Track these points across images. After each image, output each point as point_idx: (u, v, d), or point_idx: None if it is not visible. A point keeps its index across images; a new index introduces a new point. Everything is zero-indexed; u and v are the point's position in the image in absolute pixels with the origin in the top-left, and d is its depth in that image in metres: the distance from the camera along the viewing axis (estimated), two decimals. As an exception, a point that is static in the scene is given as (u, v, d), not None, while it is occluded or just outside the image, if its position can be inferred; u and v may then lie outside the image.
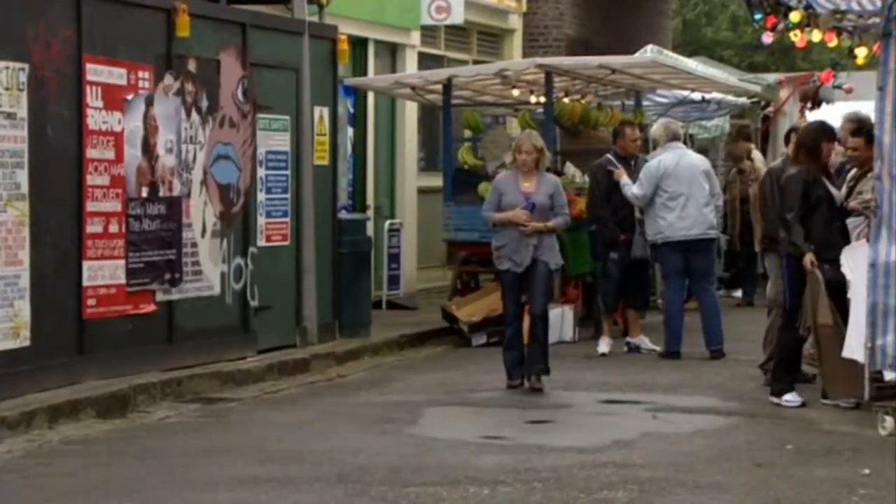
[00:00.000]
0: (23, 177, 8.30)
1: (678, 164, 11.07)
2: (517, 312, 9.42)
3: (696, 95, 15.04)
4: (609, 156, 11.62)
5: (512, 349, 9.47)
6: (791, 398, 8.66)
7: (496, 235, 9.44)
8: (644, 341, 11.42)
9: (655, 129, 11.86)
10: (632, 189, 11.16)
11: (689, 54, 20.48)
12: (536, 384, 9.30)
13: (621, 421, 8.37)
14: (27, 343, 8.31)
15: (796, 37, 10.36)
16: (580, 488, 6.44)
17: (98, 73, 8.93)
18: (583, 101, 13.58)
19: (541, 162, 9.41)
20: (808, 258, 8.39)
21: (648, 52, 15.45)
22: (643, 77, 13.70)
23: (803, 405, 8.62)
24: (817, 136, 8.78)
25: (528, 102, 13.56)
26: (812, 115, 15.94)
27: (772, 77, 18.28)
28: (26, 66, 8.32)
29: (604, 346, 11.33)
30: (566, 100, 13.40)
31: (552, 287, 9.88)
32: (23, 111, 8.29)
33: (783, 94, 17.12)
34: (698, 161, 11.35)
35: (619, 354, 11.29)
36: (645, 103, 14.73)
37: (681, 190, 10.98)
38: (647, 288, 12.16)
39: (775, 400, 8.68)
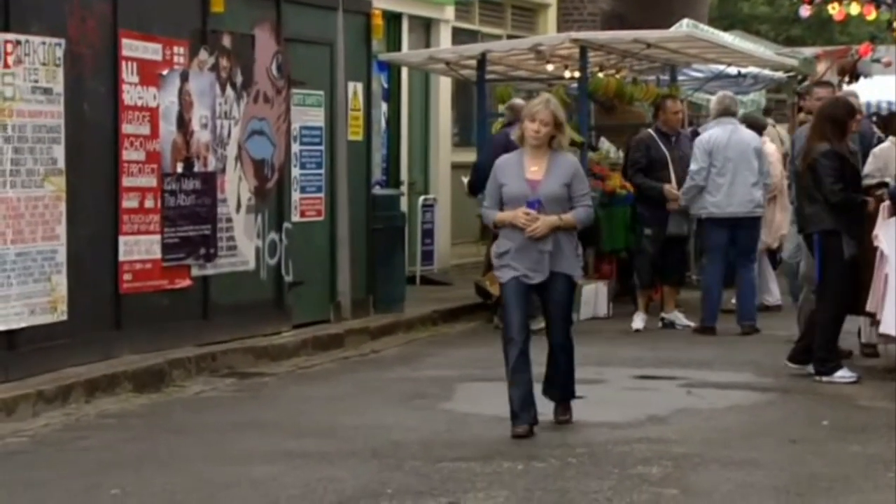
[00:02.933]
0: (59, 152, 8.34)
1: (729, 139, 10.95)
2: (522, 324, 6.99)
3: (732, 70, 14.90)
4: (651, 131, 11.55)
5: (519, 383, 6.98)
6: (844, 374, 8.60)
7: (499, 238, 7.23)
8: (678, 317, 11.36)
9: (712, 101, 11.84)
10: (690, 169, 11.01)
11: (725, 28, 20.30)
12: (563, 416, 7.31)
13: (655, 396, 8.35)
14: (64, 318, 8.37)
15: (834, 10, 10.26)
16: (614, 463, 6.44)
17: (133, 48, 8.96)
18: (617, 76, 13.49)
19: (557, 140, 7.06)
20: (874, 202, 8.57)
21: (684, 26, 15.31)
22: (679, 51, 13.59)
23: (859, 380, 8.56)
24: (846, 111, 8.71)
25: (562, 77, 13.48)
26: (850, 89, 15.75)
27: (809, 51, 18.10)
28: (63, 41, 8.35)
29: (638, 322, 11.28)
30: (601, 74, 13.31)
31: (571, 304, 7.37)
32: (59, 87, 8.32)
33: (820, 68, 16.95)
34: (749, 138, 11.16)
35: (654, 330, 11.24)
36: (680, 78, 14.62)
37: (729, 166, 10.87)
38: (683, 264, 12.03)
39: (826, 379, 8.60)
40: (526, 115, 7.08)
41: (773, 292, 12.31)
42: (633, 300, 11.78)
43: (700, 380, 8.87)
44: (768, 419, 7.62)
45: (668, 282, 11.50)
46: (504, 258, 7.07)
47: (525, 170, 7.06)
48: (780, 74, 15.88)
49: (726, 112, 11.23)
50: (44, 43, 8.22)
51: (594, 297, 11.91)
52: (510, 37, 15.93)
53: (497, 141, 10.81)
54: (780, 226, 12.00)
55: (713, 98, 12.08)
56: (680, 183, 11.13)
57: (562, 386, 7.28)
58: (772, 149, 12.17)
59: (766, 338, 10.65)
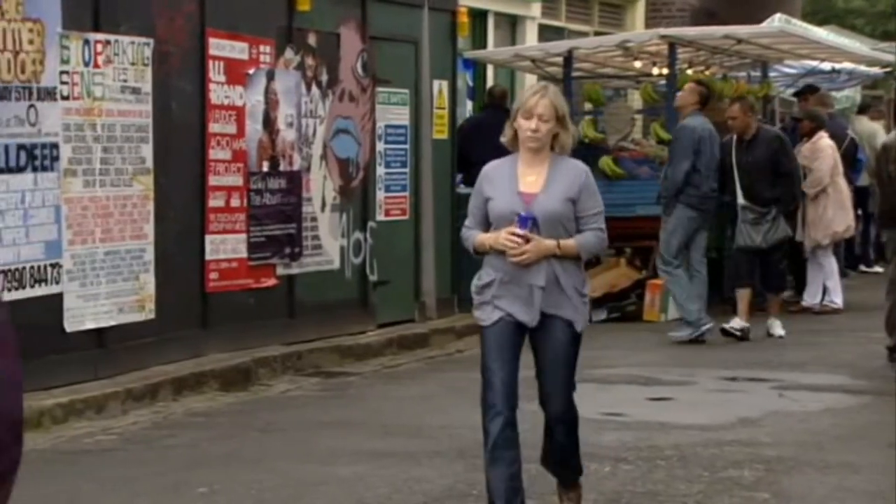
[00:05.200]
0: (147, 151, 8.40)
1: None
2: (509, 384, 5.12)
3: (826, 66, 14.64)
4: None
5: (500, 461, 5.12)
6: None
7: (483, 266, 5.33)
8: (775, 326, 10.76)
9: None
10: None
11: (819, 23, 19.96)
12: (569, 495, 5.48)
13: (746, 399, 8.20)
14: (152, 316, 8.43)
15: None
16: (704, 466, 6.31)
17: (220, 47, 8.99)
18: (707, 73, 13.31)
19: (559, 140, 5.25)
20: None
21: (776, 21, 15.07)
22: (770, 47, 13.37)
23: None
24: None
25: (650, 74, 13.34)
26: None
27: (906, 46, 17.70)
28: (151, 40, 8.41)
29: (733, 324, 10.80)
30: (690, 71, 13.14)
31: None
32: (147, 86, 8.38)
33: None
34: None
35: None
36: (772, 74, 14.39)
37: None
38: (777, 271, 11.17)
39: None
40: (520, 110, 5.25)
41: (837, 293, 12.06)
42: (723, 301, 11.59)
43: (792, 382, 8.69)
44: (864, 422, 7.43)
45: (767, 287, 10.98)
46: (485, 293, 5.21)
47: (519, 180, 5.23)
48: (876, 70, 15.56)
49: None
50: (133, 42, 8.28)
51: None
52: (597, 33, 15.80)
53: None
54: (830, 222, 11.87)
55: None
56: (745, 190, 10.51)
57: (560, 464, 5.40)
58: (824, 144, 12.04)
59: (861, 339, 10.42)
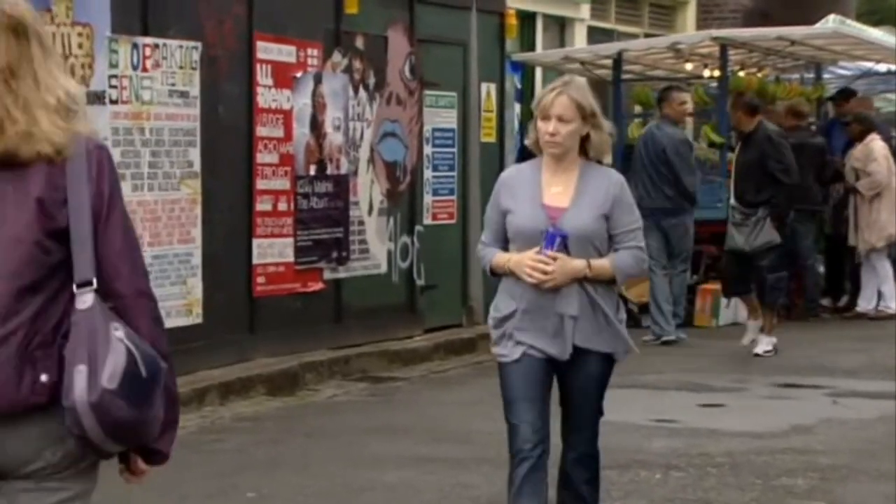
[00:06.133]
0: (195, 155, 8.40)
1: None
2: (538, 428, 4.58)
3: (882, 67, 14.43)
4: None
5: (524, 497, 4.59)
6: None
7: (498, 293, 4.72)
8: (761, 341, 9.85)
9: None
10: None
11: (875, 24, 19.67)
12: None
13: (799, 405, 8.09)
14: (199, 320, 8.43)
15: None
16: (757, 474, 6.23)
17: (268, 50, 8.98)
18: (759, 75, 13.16)
19: (591, 142, 4.59)
20: None
21: (830, 22, 14.86)
22: (824, 48, 13.20)
23: None
24: None
25: (701, 77, 13.21)
26: None
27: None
28: (199, 44, 8.41)
29: (758, 348, 9.85)
30: (742, 73, 13.00)
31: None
32: (195, 90, 8.38)
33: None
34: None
35: (797, 338, 10.90)
36: (826, 76, 14.21)
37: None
38: (767, 281, 9.96)
39: None
40: (538, 111, 4.60)
41: (892, 298, 11.88)
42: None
43: (847, 389, 8.56)
44: (921, 430, 7.29)
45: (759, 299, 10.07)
46: (506, 325, 4.56)
47: (543, 191, 4.57)
48: (934, 72, 15.30)
49: None
50: (181, 46, 8.28)
51: (735, 302, 11.60)
52: (647, 35, 15.66)
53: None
54: (885, 225, 11.73)
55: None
56: (735, 190, 9.97)
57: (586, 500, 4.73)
58: (877, 146, 11.94)
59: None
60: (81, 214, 2.71)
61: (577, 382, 4.61)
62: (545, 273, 4.46)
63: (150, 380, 2.69)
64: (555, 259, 4.48)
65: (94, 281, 2.71)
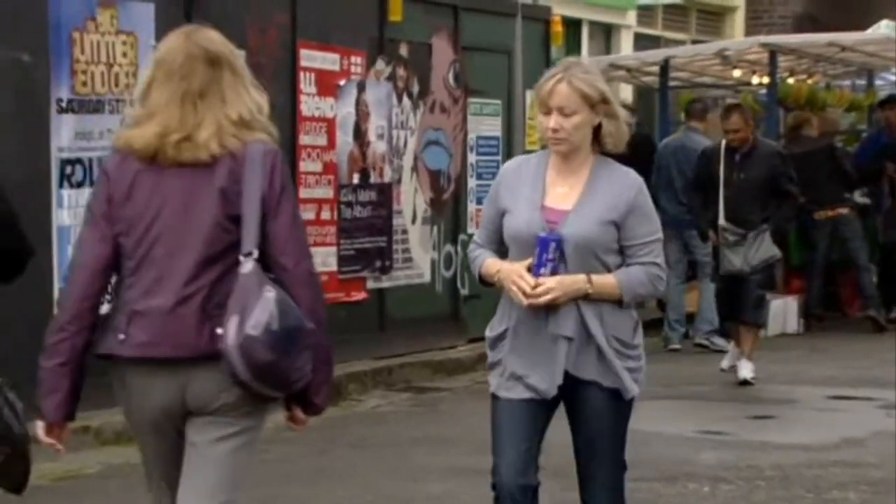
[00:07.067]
0: (238, 164, 8.37)
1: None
2: (523, 472, 4.01)
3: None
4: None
5: None
6: None
7: (498, 309, 4.09)
8: (744, 367, 9.03)
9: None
10: None
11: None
12: None
13: (851, 418, 7.95)
14: (242, 329, 8.39)
15: None
16: (807, 488, 6.11)
17: (311, 58, 8.96)
18: (809, 82, 13.00)
19: (605, 132, 3.92)
20: None
21: (882, 27, 14.68)
22: (876, 54, 13.02)
23: None
24: None
25: (749, 83, 13.07)
26: None
27: None
28: (243, 52, 8.34)
29: (743, 372, 9.03)
30: (791, 80, 12.85)
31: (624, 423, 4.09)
32: (238, 98, 8.35)
33: None
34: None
35: (849, 349, 10.73)
36: (878, 83, 14.03)
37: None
38: (754, 299, 9.15)
39: None
40: (537, 99, 3.95)
41: None
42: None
43: (900, 400, 8.41)
44: (977, 444, 7.13)
45: (740, 321, 9.24)
46: (500, 348, 3.98)
47: (546, 190, 3.94)
48: None
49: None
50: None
51: (783, 311, 11.48)
52: (694, 42, 15.56)
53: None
54: None
55: None
56: (728, 210, 9.03)
57: None
58: None
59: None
60: (251, 202, 3.43)
61: (581, 422, 3.95)
62: (541, 289, 3.80)
63: (290, 334, 3.39)
64: (549, 278, 3.82)
65: (255, 252, 3.40)
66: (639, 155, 11.63)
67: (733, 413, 8.16)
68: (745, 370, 9.01)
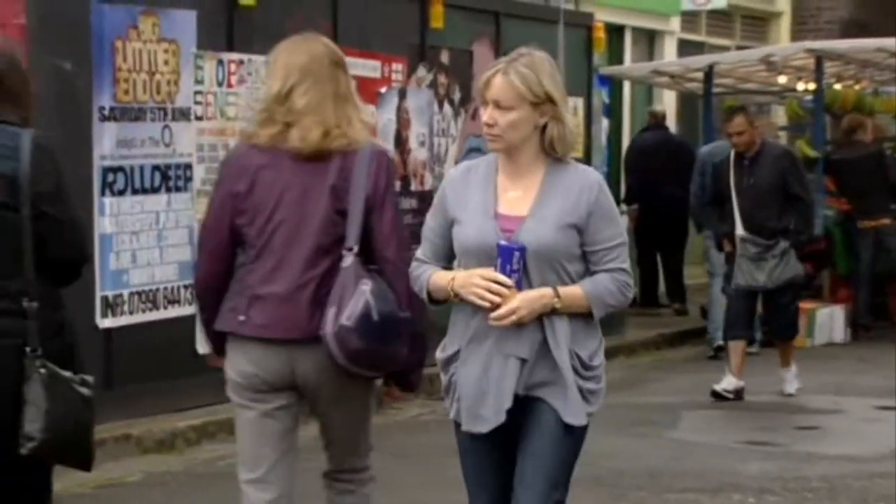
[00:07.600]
0: (279, 171, 8.37)
1: None
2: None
3: None
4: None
5: None
6: None
7: (450, 327, 3.73)
8: (789, 380, 8.86)
9: None
10: None
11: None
12: None
13: (899, 429, 7.81)
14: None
15: None
16: (854, 500, 6.03)
17: (352, 65, 8.79)
18: (856, 88, 12.84)
19: (549, 135, 3.58)
20: None
21: (932, 33, 14.49)
22: (925, 60, 12.83)
23: None
24: None
25: (795, 90, 12.93)
26: None
27: None
28: (283, 60, 8.37)
29: (725, 385, 8.72)
30: (838, 86, 12.69)
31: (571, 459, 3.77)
32: (279, 106, 8.35)
33: None
34: None
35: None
36: (927, 88, 13.83)
37: None
38: (790, 314, 8.91)
39: None
40: (478, 92, 3.69)
41: None
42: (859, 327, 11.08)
43: (950, 411, 8.26)
44: None
45: (777, 335, 9.08)
46: (450, 369, 3.68)
47: (498, 196, 3.61)
48: None
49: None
50: (266, 62, 8.24)
51: (829, 321, 11.33)
52: (739, 47, 15.42)
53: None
54: None
55: None
56: (745, 219, 8.62)
57: None
58: None
59: None
60: (356, 199, 3.79)
61: (527, 438, 3.57)
62: (506, 307, 3.43)
63: (382, 324, 3.75)
64: (513, 291, 3.45)
65: (355, 247, 3.78)
66: (678, 163, 11.63)
67: (779, 423, 8.06)
68: (790, 386, 8.81)
